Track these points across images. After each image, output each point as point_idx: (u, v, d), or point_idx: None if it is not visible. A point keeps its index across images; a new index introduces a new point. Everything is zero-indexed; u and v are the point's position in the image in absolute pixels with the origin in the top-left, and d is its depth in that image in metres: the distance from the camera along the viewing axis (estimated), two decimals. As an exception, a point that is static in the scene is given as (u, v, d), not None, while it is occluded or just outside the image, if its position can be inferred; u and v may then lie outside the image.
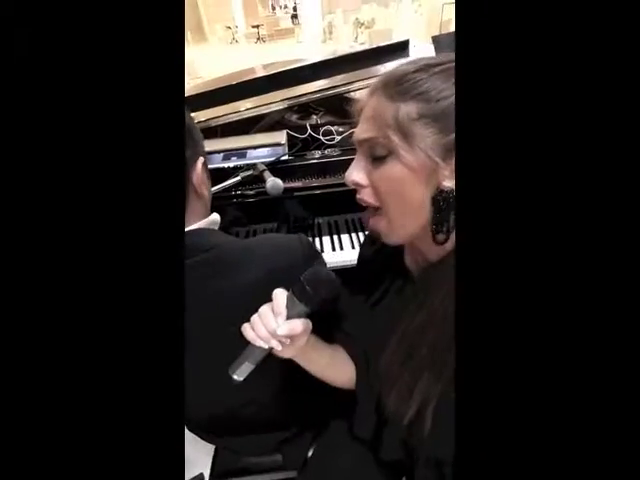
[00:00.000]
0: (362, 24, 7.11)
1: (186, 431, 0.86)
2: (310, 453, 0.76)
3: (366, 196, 0.45)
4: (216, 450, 0.89)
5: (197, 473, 1.12)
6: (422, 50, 1.29)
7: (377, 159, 0.42)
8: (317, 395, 0.67)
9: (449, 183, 0.40)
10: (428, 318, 0.45)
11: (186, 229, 0.56)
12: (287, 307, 0.45)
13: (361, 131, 0.44)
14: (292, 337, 0.46)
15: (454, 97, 0.37)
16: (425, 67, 0.40)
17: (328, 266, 0.96)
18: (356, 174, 0.45)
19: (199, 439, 0.86)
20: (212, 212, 0.63)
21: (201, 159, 0.57)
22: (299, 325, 0.45)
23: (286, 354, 0.50)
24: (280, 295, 0.46)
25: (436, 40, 1.13)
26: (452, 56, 0.41)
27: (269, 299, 0.46)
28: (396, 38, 1.29)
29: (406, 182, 0.41)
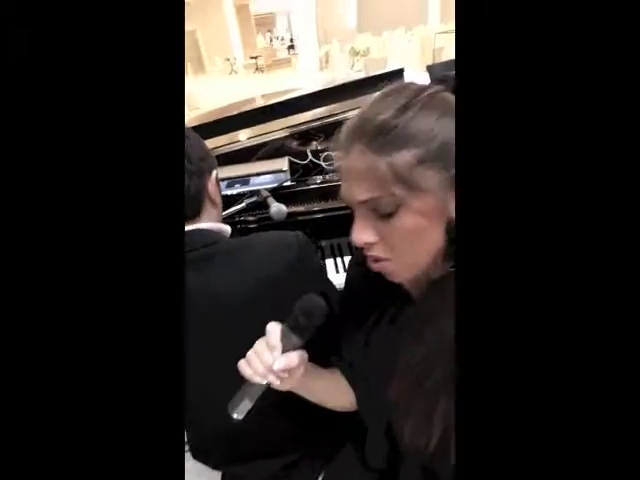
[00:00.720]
0: (358, 53, 7.36)
1: (193, 461, 0.84)
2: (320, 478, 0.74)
3: (379, 252, 0.44)
4: (223, 476, 0.87)
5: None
6: (416, 80, 1.33)
7: (385, 215, 0.41)
8: (323, 419, 0.67)
9: None
10: (437, 341, 0.43)
11: (196, 227, 0.61)
12: (281, 340, 0.45)
13: (356, 192, 0.42)
14: (289, 370, 0.46)
15: (445, 131, 0.38)
16: (402, 108, 0.39)
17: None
18: (365, 235, 0.43)
19: (204, 470, 0.84)
20: None
21: (214, 171, 0.65)
22: (295, 357, 0.45)
23: (285, 387, 0.50)
24: (274, 329, 0.46)
25: (430, 70, 1.17)
26: (419, 87, 0.42)
27: (265, 304, 0.48)
28: (390, 66, 1.34)
29: (421, 227, 0.41)
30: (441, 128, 0.39)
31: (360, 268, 0.60)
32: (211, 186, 0.63)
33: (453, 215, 0.40)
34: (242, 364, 0.47)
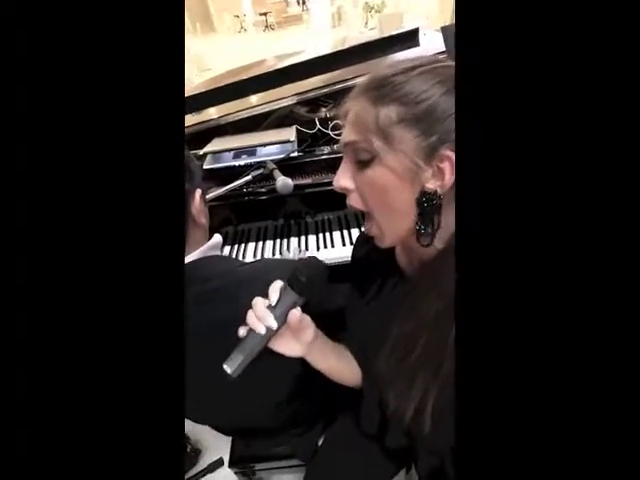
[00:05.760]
0: (372, 8, 6.94)
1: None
2: (320, 442, 0.79)
3: (353, 201, 0.46)
4: (233, 439, 0.94)
5: (216, 458, 1.17)
6: (432, 38, 1.27)
7: (361, 163, 0.43)
8: (322, 395, 0.70)
9: (432, 185, 0.40)
10: (420, 320, 0.46)
11: (186, 258, 0.58)
12: (281, 296, 0.47)
13: (345, 135, 0.44)
14: (296, 330, 0.49)
15: (434, 98, 0.38)
16: (404, 70, 0.41)
17: (339, 260, 0.98)
18: (343, 179, 0.45)
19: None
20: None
21: (199, 191, 0.59)
22: (296, 313, 0.48)
23: (296, 350, 0.53)
24: (275, 284, 0.49)
25: (445, 31, 1.11)
26: (432, 57, 0.42)
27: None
28: (407, 21, 1.27)
29: (390, 185, 0.41)
30: (431, 95, 0.39)
31: (365, 245, 0.62)
32: (195, 208, 0.58)
33: (427, 187, 0.40)
34: (249, 314, 0.49)
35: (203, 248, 0.60)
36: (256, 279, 0.58)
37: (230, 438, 0.94)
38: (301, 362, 0.58)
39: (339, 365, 0.61)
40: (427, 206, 0.41)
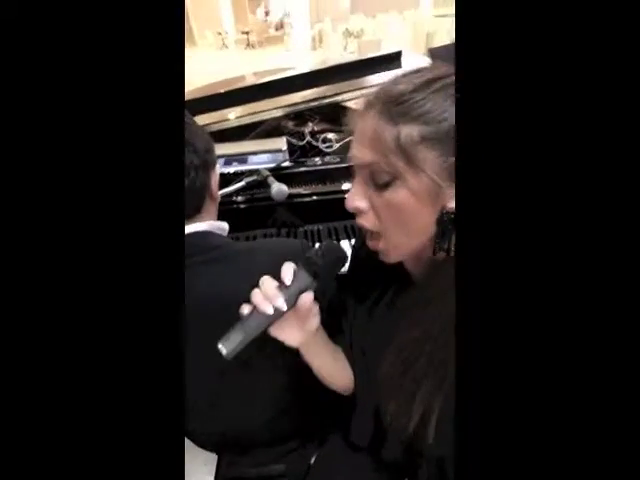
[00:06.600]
0: (351, 34, 7.21)
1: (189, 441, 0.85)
2: (312, 460, 0.76)
3: (366, 221, 0.44)
4: (219, 459, 0.88)
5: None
6: (414, 63, 1.32)
7: (379, 184, 0.41)
8: (318, 408, 0.67)
9: (453, 204, 0.39)
10: (427, 328, 0.45)
11: (198, 228, 0.58)
12: (294, 277, 0.44)
13: (361, 154, 0.42)
14: (302, 316, 0.46)
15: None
16: (424, 84, 0.39)
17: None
18: (358, 200, 0.43)
19: (196, 449, 0.85)
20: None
21: (217, 165, 0.63)
22: (306, 299, 0.45)
23: (296, 339, 0.49)
24: (288, 265, 0.46)
25: (432, 53, 1.16)
26: (449, 69, 0.41)
27: None
28: (385, 49, 1.31)
29: (410, 207, 0.40)
30: (453, 113, 0.38)
31: (364, 249, 0.60)
32: (214, 181, 0.61)
33: (448, 206, 0.39)
34: (255, 292, 0.45)
35: (214, 223, 0.61)
36: (255, 250, 0.59)
37: (208, 463, 0.88)
38: (300, 371, 0.56)
39: (333, 366, 0.58)
40: (448, 225, 0.40)
